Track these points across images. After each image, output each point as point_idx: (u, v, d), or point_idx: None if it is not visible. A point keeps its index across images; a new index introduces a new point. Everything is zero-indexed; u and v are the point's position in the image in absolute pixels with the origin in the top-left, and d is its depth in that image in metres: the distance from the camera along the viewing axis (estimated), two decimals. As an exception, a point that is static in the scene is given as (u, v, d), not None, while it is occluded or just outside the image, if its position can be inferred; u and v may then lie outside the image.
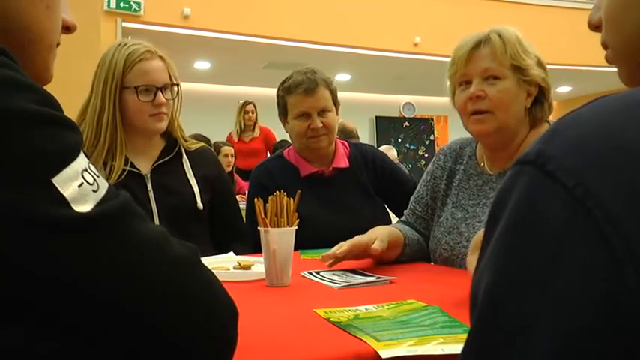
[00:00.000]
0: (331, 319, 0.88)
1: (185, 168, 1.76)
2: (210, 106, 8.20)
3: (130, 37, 1.77)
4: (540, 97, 1.41)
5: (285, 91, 1.92)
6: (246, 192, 2.42)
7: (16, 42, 0.57)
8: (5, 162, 0.46)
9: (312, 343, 0.80)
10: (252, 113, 5.87)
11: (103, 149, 1.63)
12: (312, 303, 1.00)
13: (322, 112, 1.89)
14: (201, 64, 7.80)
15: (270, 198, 1.23)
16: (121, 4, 5.83)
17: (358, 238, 1.38)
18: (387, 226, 1.56)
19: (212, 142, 4.85)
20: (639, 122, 0.32)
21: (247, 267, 1.36)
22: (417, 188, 1.64)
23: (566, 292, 0.30)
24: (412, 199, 1.64)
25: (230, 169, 5.04)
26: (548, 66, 1.43)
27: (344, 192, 1.93)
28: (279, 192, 1.24)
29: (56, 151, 0.49)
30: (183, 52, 6.41)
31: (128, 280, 0.51)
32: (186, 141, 1.80)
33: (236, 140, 5.82)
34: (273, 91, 2.02)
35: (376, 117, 9.69)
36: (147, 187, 1.68)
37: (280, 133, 4.76)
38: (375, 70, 8.23)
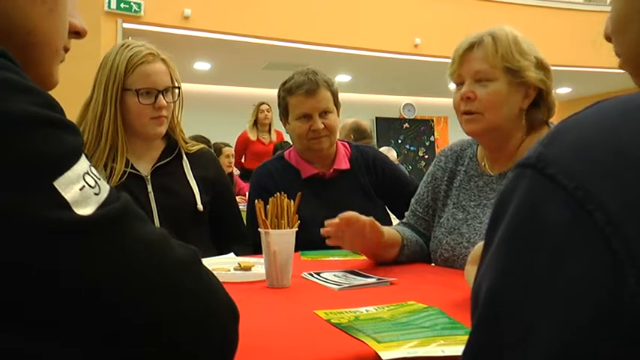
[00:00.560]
0: (332, 321, 0.88)
1: (185, 169, 1.76)
2: (210, 107, 8.21)
3: (130, 38, 1.76)
4: (538, 99, 1.40)
5: (287, 92, 1.92)
6: (247, 193, 2.42)
7: (18, 46, 0.57)
8: (6, 164, 0.46)
9: (312, 345, 0.80)
10: (268, 112, 5.80)
11: (104, 151, 1.63)
12: (313, 304, 1.00)
13: (323, 113, 1.90)
14: (202, 65, 7.80)
15: (270, 199, 1.23)
16: (122, 5, 5.83)
17: (350, 212, 1.37)
18: (385, 226, 1.56)
19: (212, 142, 4.86)
20: (637, 126, 0.32)
21: (248, 268, 1.36)
22: (418, 189, 1.64)
23: (567, 295, 0.30)
24: (413, 200, 1.64)
25: (231, 169, 5.04)
26: (549, 67, 1.43)
27: (345, 193, 1.93)
28: (280, 193, 1.24)
29: (58, 153, 0.49)
30: (183, 52, 6.41)
31: (129, 283, 0.51)
32: (186, 143, 1.80)
33: (254, 139, 5.74)
34: (273, 92, 2.02)
35: (376, 118, 9.69)
36: (147, 189, 1.68)
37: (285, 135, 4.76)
38: (375, 71, 8.23)
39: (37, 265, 0.46)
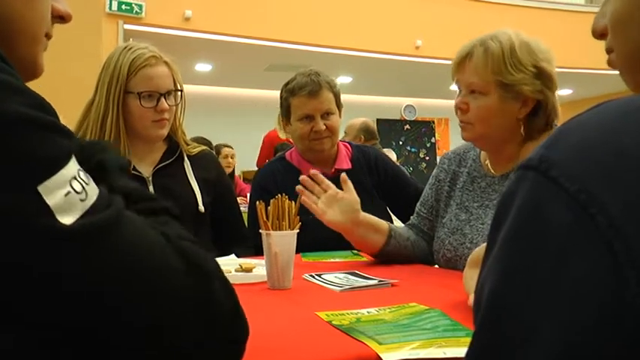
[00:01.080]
0: (333, 323, 0.88)
1: (187, 171, 1.76)
2: (211, 109, 8.21)
3: (131, 39, 1.76)
4: (537, 108, 1.38)
5: (289, 92, 1.92)
6: (248, 194, 2.43)
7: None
8: None
9: (313, 347, 0.80)
10: None
11: None
12: (314, 306, 1.00)
13: (325, 114, 1.90)
14: (203, 67, 7.80)
15: (272, 201, 1.23)
16: (123, 7, 5.83)
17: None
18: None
19: (213, 144, 4.85)
20: (638, 127, 0.32)
21: (249, 270, 1.36)
22: (423, 192, 1.65)
23: (570, 295, 0.30)
24: (418, 202, 1.65)
25: (230, 170, 5.04)
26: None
27: None
28: (281, 195, 1.25)
29: (45, 157, 0.48)
30: (184, 54, 6.41)
31: (109, 288, 0.50)
32: (188, 144, 1.80)
33: (284, 138, 5.67)
34: (274, 94, 2.02)
35: (377, 119, 9.67)
36: (148, 190, 1.68)
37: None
38: (376, 73, 8.23)
39: (17, 270, 0.46)
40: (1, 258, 0.45)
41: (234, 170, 5.03)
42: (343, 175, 1.52)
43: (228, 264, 1.44)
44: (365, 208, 1.90)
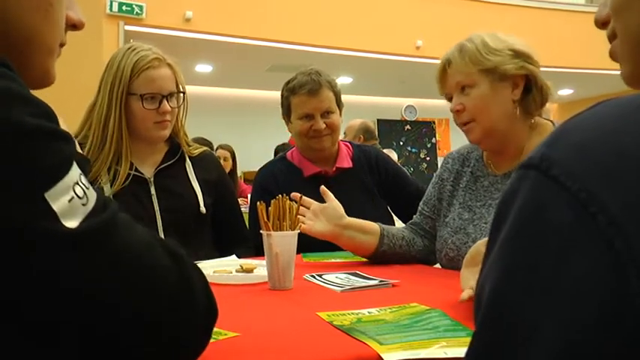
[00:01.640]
0: (334, 323, 0.88)
1: (188, 172, 1.76)
2: (212, 110, 8.21)
3: (132, 41, 1.77)
4: (529, 86, 1.41)
5: (290, 91, 1.93)
6: (249, 195, 2.43)
7: (15, 47, 0.57)
8: (2, 175, 0.47)
9: (314, 347, 0.80)
10: None
11: (109, 155, 1.62)
12: (315, 306, 1.00)
13: (325, 113, 1.91)
14: (203, 67, 7.80)
15: (272, 201, 1.23)
16: (124, 8, 5.83)
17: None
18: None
19: (216, 145, 4.85)
20: (638, 127, 0.32)
21: (250, 270, 1.36)
22: (426, 192, 1.66)
23: (572, 294, 0.30)
24: (421, 201, 1.66)
25: (227, 170, 5.02)
26: (550, 69, 1.44)
27: (347, 192, 1.93)
28: (282, 195, 1.25)
29: (50, 165, 0.51)
30: (184, 55, 6.41)
31: (110, 287, 0.53)
32: (189, 146, 1.80)
33: None
34: (275, 94, 2.02)
35: (378, 120, 9.69)
36: (150, 191, 1.68)
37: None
38: (376, 73, 8.23)
39: (24, 274, 0.48)
40: (8, 262, 0.47)
41: (233, 171, 5.01)
42: (322, 187, 1.55)
43: (229, 265, 1.44)
44: (365, 208, 1.91)
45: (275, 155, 4.27)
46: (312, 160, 1.98)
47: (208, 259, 1.54)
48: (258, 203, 1.23)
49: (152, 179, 1.69)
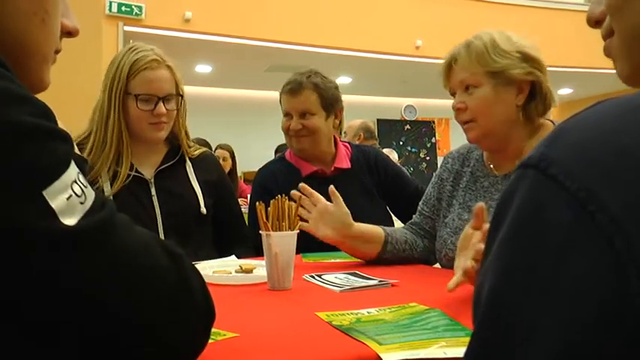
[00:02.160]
0: (333, 323, 0.88)
1: (188, 173, 1.75)
2: (211, 110, 8.21)
3: (131, 41, 1.77)
4: (534, 91, 1.40)
5: (281, 90, 1.98)
6: (249, 195, 2.43)
7: (9, 53, 0.58)
8: (1, 173, 0.48)
9: (313, 347, 0.80)
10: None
11: (109, 155, 1.62)
12: (314, 306, 1.00)
13: (303, 114, 1.92)
14: (203, 68, 7.80)
15: (271, 202, 1.23)
16: (123, 8, 5.83)
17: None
18: (372, 225, 1.58)
19: (212, 146, 4.84)
20: (638, 127, 0.32)
21: (249, 270, 1.36)
22: (426, 191, 1.65)
23: (571, 294, 0.30)
24: (421, 201, 1.65)
25: (227, 170, 5.01)
26: (550, 68, 1.43)
27: (346, 193, 1.92)
28: (282, 195, 1.25)
29: (48, 164, 0.51)
30: (184, 55, 6.41)
31: (110, 287, 0.53)
32: (190, 147, 1.80)
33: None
34: (275, 95, 2.03)
35: (378, 120, 9.69)
36: (151, 192, 1.67)
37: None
38: (376, 73, 8.23)
39: (23, 272, 0.48)
40: (7, 261, 0.48)
41: (232, 171, 5.00)
42: (331, 188, 1.51)
43: (229, 265, 1.44)
44: (365, 208, 1.91)
45: (275, 155, 4.27)
46: (310, 160, 1.98)
47: (208, 259, 1.54)
48: (257, 203, 1.23)
49: (152, 180, 1.69)
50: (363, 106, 8.72)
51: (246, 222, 1.99)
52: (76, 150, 0.64)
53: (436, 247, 1.55)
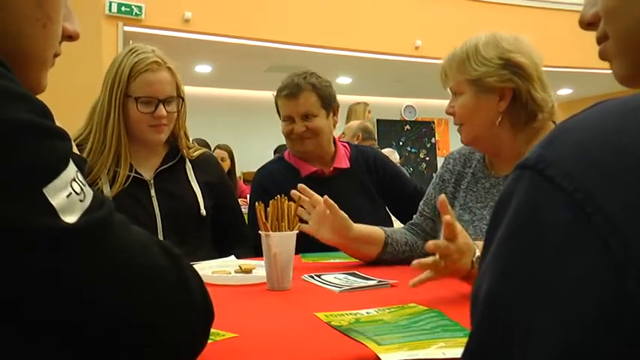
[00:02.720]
0: (332, 323, 0.88)
1: (188, 174, 1.75)
2: (211, 110, 8.21)
3: (131, 42, 1.76)
4: (519, 97, 1.37)
5: (277, 93, 1.96)
6: (248, 195, 2.43)
7: (9, 57, 0.58)
8: (1, 171, 0.48)
9: (312, 347, 0.80)
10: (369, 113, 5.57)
11: (109, 156, 1.61)
12: (313, 307, 1.00)
13: (305, 116, 1.91)
14: (202, 68, 7.80)
15: (271, 202, 1.23)
16: (123, 8, 5.83)
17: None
18: (372, 226, 1.57)
19: (211, 146, 4.84)
20: (638, 127, 0.32)
21: (248, 271, 1.36)
22: (427, 191, 1.65)
23: (570, 294, 0.30)
24: (421, 201, 1.65)
25: (225, 170, 5.01)
26: (550, 69, 1.42)
27: (345, 193, 1.93)
28: (281, 195, 1.24)
29: (48, 161, 0.51)
30: (184, 55, 6.41)
31: (109, 286, 0.53)
32: (189, 148, 1.80)
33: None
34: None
35: (377, 120, 9.67)
36: (150, 193, 1.67)
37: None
38: (376, 73, 8.23)
39: (24, 269, 0.49)
40: (8, 261, 0.48)
41: (231, 171, 5.00)
42: (326, 198, 1.45)
43: (228, 265, 1.44)
44: (364, 208, 1.91)
45: (274, 155, 4.27)
46: (309, 160, 1.98)
47: (207, 259, 1.54)
48: (256, 204, 1.23)
49: (152, 181, 1.69)
50: (362, 106, 8.71)
51: (247, 222, 1.99)
52: (76, 150, 0.65)
53: None
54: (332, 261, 1.61)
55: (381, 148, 4.12)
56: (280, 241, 1.21)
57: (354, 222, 1.49)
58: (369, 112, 5.44)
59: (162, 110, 1.62)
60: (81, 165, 0.57)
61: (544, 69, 1.43)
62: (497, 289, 0.34)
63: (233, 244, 1.80)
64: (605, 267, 0.29)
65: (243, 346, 0.80)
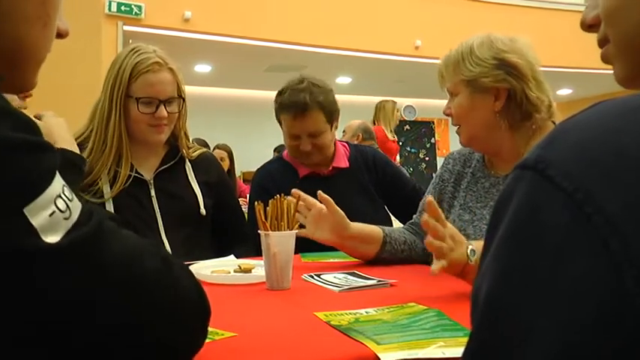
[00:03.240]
0: (331, 323, 0.88)
1: (188, 174, 1.75)
2: (211, 110, 8.21)
3: (130, 41, 1.76)
4: (514, 97, 1.38)
5: (279, 107, 1.92)
6: (248, 195, 2.43)
7: (6, 55, 0.57)
8: None
9: (312, 347, 0.80)
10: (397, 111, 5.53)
11: (109, 156, 1.61)
12: (313, 306, 1.00)
13: (312, 134, 1.89)
14: (202, 67, 7.80)
15: (270, 201, 1.23)
16: (122, 8, 5.83)
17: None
18: (370, 225, 1.56)
19: (210, 146, 4.84)
20: (638, 127, 0.32)
21: (248, 270, 1.36)
22: (427, 191, 1.65)
23: (570, 294, 0.30)
24: (421, 201, 1.65)
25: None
26: (550, 69, 1.43)
27: (344, 192, 1.93)
28: (280, 195, 1.24)
29: (30, 180, 0.50)
30: (183, 55, 6.41)
31: (103, 297, 0.53)
32: (189, 148, 1.79)
33: (392, 139, 5.27)
34: (274, 95, 2.01)
35: (377, 120, 9.67)
36: (150, 193, 1.67)
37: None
38: (375, 73, 8.23)
39: (5, 291, 0.48)
40: None
41: (230, 171, 5.00)
42: (319, 192, 1.45)
43: (227, 265, 1.44)
44: (363, 208, 1.91)
45: (274, 155, 4.27)
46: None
47: (207, 259, 1.54)
48: (256, 203, 1.23)
49: (152, 181, 1.69)
50: (362, 106, 8.71)
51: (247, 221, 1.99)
52: (77, 150, 0.65)
53: None
54: (331, 260, 1.61)
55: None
56: (279, 241, 1.21)
57: (353, 221, 1.49)
58: (398, 110, 5.43)
59: (163, 111, 1.62)
60: (80, 164, 0.56)
61: (544, 69, 1.43)
62: (497, 290, 0.34)
63: (234, 243, 1.80)
64: (605, 267, 0.29)
65: (242, 345, 0.80)
